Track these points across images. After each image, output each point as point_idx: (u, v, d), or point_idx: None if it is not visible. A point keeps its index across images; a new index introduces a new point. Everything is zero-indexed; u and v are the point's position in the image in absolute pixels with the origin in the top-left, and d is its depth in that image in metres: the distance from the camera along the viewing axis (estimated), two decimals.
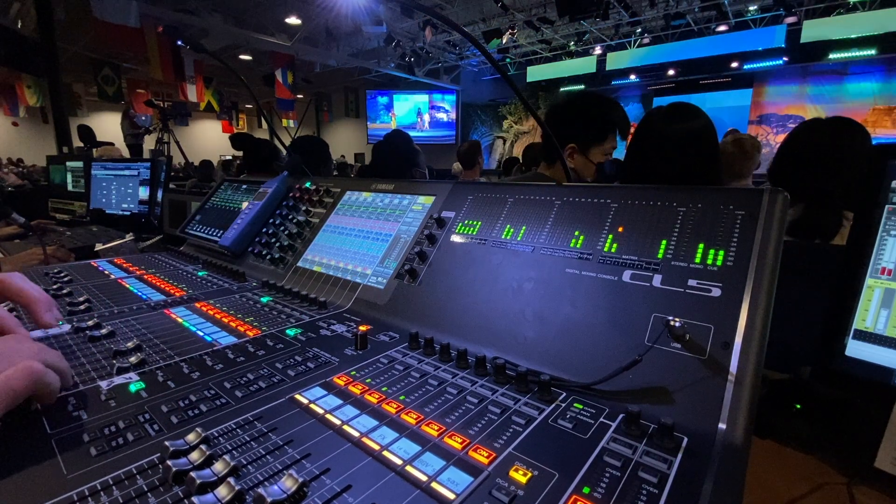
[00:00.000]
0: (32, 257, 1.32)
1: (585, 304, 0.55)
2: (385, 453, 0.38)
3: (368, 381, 0.51)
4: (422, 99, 13.53)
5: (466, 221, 0.75)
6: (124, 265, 1.06)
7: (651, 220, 0.58)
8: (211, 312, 0.74)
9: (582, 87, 11.51)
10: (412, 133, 3.32)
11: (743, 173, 2.32)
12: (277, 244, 0.99)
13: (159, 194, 1.99)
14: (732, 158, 2.29)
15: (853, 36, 7.84)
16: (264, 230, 1.07)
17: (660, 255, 0.54)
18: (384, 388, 0.49)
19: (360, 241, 0.88)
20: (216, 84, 10.45)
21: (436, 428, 0.41)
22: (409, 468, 0.36)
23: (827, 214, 1.26)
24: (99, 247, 1.53)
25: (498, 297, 0.63)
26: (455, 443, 0.39)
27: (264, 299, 0.81)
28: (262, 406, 0.46)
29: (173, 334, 0.64)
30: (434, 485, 0.34)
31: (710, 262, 0.51)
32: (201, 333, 0.65)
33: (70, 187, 2.58)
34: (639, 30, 9.85)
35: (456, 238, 0.74)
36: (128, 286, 0.89)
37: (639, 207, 0.60)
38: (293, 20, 9.20)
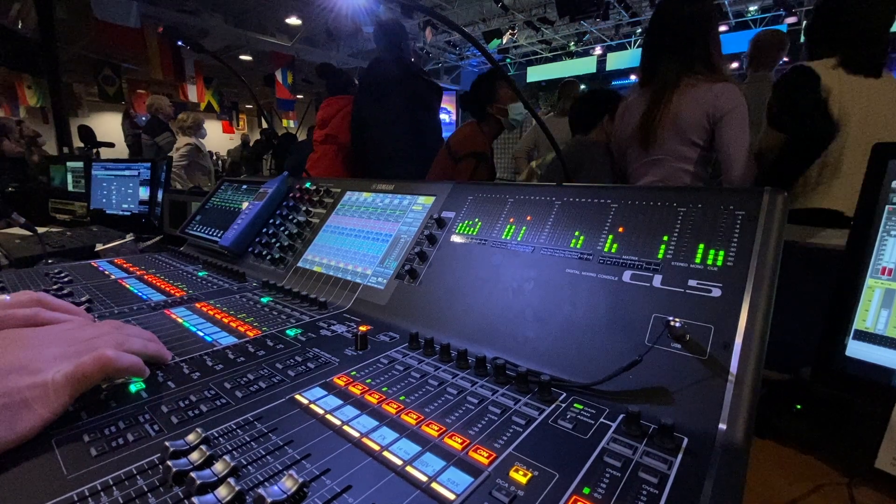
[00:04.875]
0: None
1: (585, 305, 0.55)
2: (385, 454, 0.38)
3: (368, 381, 0.51)
4: None
5: (467, 222, 0.75)
6: (124, 265, 1.06)
7: (651, 221, 0.58)
8: (211, 313, 0.74)
9: (583, 87, 11.52)
10: None
11: (771, 64, 2.61)
12: (277, 244, 0.99)
13: (159, 195, 1.99)
14: (769, 47, 2.60)
15: None
16: (264, 230, 1.07)
17: (660, 256, 0.54)
18: (384, 389, 0.49)
19: (360, 242, 0.88)
20: (216, 84, 10.44)
21: (436, 428, 0.41)
22: (409, 468, 0.36)
23: None
24: (99, 247, 1.53)
25: (498, 298, 0.63)
26: (455, 443, 0.39)
27: (264, 299, 0.81)
28: (262, 406, 0.46)
29: (173, 334, 0.64)
30: (434, 485, 0.34)
31: (710, 262, 0.51)
32: (201, 334, 0.65)
33: (70, 188, 2.58)
34: (639, 30, 9.85)
35: (456, 238, 0.74)
36: (128, 286, 0.89)
37: (639, 208, 0.60)
38: (293, 20, 9.20)
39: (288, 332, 0.66)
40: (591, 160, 1.94)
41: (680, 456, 0.38)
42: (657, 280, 0.53)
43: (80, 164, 2.53)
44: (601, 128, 2.11)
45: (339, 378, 0.51)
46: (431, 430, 0.41)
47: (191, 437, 0.38)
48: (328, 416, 0.44)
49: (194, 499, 0.31)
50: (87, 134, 4.99)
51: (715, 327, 0.46)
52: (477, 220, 0.74)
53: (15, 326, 0.50)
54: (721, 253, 0.51)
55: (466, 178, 2.40)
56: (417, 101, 2.29)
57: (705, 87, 1.48)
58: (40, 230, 1.51)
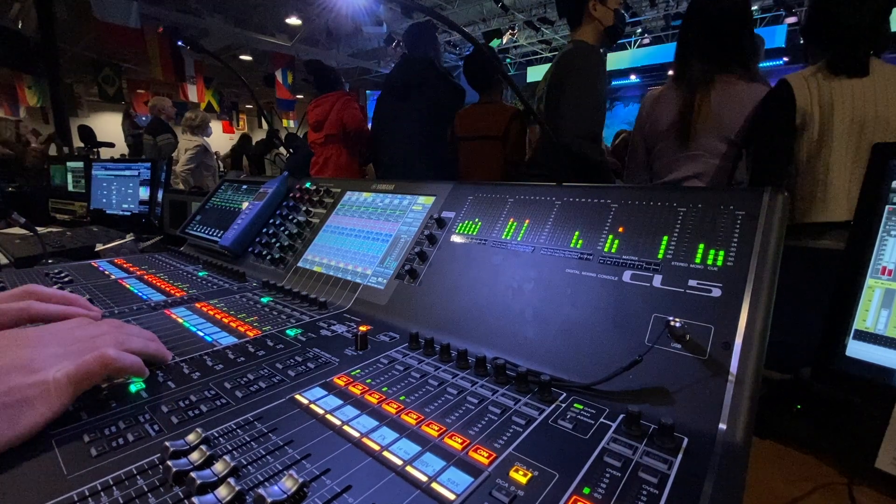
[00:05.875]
0: None
1: (586, 305, 0.55)
2: (385, 454, 0.38)
3: (369, 381, 0.51)
4: None
5: (467, 222, 0.75)
6: (125, 265, 1.06)
7: (651, 221, 0.58)
8: (211, 313, 0.74)
9: None
10: None
11: None
12: (278, 244, 0.99)
13: (160, 195, 1.99)
14: None
15: None
16: (264, 230, 1.07)
17: (660, 256, 0.54)
18: (384, 389, 0.49)
19: (360, 242, 0.88)
20: (216, 84, 10.46)
21: (436, 428, 0.41)
22: (409, 468, 0.36)
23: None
24: (99, 247, 1.53)
25: (498, 298, 0.63)
26: (455, 443, 0.39)
27: (264, 299, 0.81)
28: (262, 406, 0.46)
29: (174, 334, 0.64)
30: (434, 485, 0.34)
31: (710, 262, 0.51)
32: (201, 334, 0.65)
33: (70, 188, 2.58)
34: (639, 30, 9.86)
35: (456, 238, 0.74)
36: (128, 286, 0.89)
37: (639, 208, 0.60)
38: (293, 20, 9.21)
39: (288, 332, 0.66)
40: (583, 65, 1.80)
41: (680, 456, 0.38)
42: (657, 280, 0.53)
43: (80, 164, 2.53)
44: (589, 15, 1.85)
45: (339, 378, 0.51)
46: (431, 430, 0.41)
47: (191, 437, 0.38)
48: (328, 416, 0.44)
49: (194, 499, 0.31)
50: (87, 134, 4.99)
51: (715, 327, 0.46)
52: (477, 219, 0.74)
53: (9, 322, 0.50)
54: (721, 253, 0.51)
55: (517, 139, 2.34)
56: (439, 104, 2.28)
57: (743, 85, 1.48)
58: (40, 230, 1.51)
